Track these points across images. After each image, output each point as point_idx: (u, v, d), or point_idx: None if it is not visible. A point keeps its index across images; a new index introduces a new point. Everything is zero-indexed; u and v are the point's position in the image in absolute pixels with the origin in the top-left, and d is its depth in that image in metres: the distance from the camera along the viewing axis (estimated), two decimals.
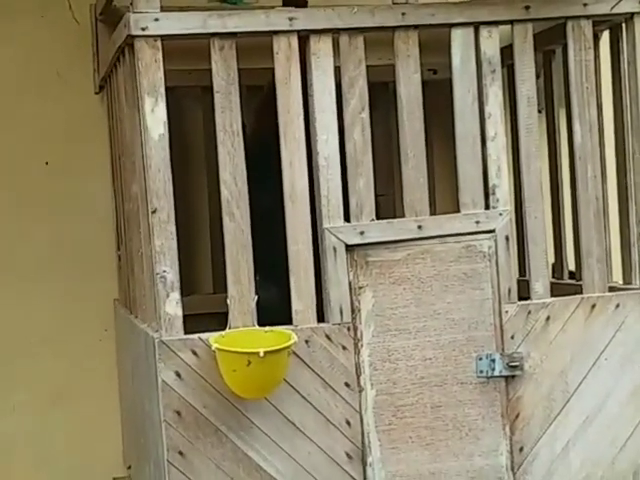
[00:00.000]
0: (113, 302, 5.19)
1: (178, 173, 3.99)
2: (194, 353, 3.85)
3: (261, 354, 3.65)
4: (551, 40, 4.52)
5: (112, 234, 5.11)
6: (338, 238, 3.98)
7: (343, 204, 3.99)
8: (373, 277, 4.01)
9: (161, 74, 3.82)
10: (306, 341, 3.93)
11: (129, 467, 5.09)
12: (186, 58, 4.37)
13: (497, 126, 4.12)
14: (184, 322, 3.85)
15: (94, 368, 5.27)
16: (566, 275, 4.96)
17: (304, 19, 3.93)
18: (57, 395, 5.18)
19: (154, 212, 3.84)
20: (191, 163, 5.11)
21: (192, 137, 5.11)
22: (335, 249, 3.98)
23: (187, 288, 5.14)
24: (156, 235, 3.84)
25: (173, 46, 3.89)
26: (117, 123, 4.60)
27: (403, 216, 4.06)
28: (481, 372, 4.06)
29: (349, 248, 3.99)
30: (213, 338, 3.80)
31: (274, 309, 4.09)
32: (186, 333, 3.87)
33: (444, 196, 4.93)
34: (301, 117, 3.95)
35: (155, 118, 3.82)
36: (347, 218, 4.00)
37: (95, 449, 5.28)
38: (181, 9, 4.10)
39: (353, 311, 3.99)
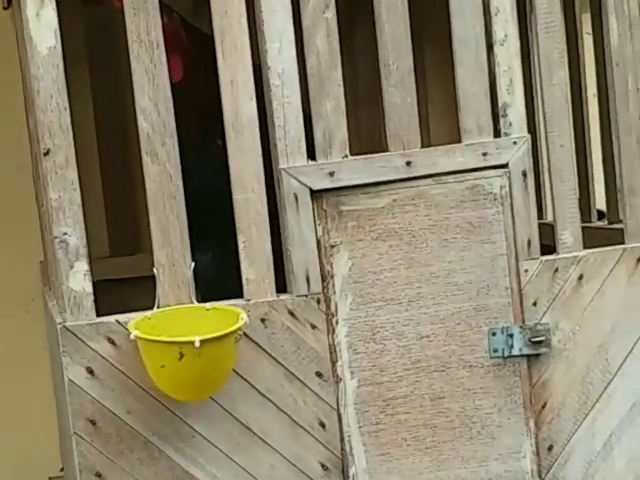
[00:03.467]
0: (39, 265, 4.23)
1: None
2: (111, 342, 2.88)
3: (197, 343, 2.68)
4: None
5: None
6: (300, 182, 2.98)
7: (305, 136, 2.99)
8: (349, 232, 3.03)
9: None
10: (262, 320, 2.96)
11: (62, 469, 4.17)
12: None
13: (508, 25, 3.09)
14: (115, 294, 3.04)
15: (22, 346, 4.38)
16: (594, 216, 3.98)
17: None
18: None
19: (47, 154, 2.84)
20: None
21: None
22: (297, 196, 2.98)
23: (130, 246, 4.26)
24: (51, 185, 2.85)
25: None
26: (20, 41, 3.58)
27: (386, 150, 3.06)
28: (495, 351, 3.08)
29: (315, 194, 3.00)
30: (133, 322, 2.82)
31: (218, 278, 3.13)
32: (109, 312, 2.91)
33: (440, 122, 3.89)
34: (244, 19, 2.94)
35: (41, 25, 2.81)
36: (311, 155, 3.01)
37: (28, 442, 4.48)
38: None
39: (324, 278, 3.01)
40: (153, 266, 2.93)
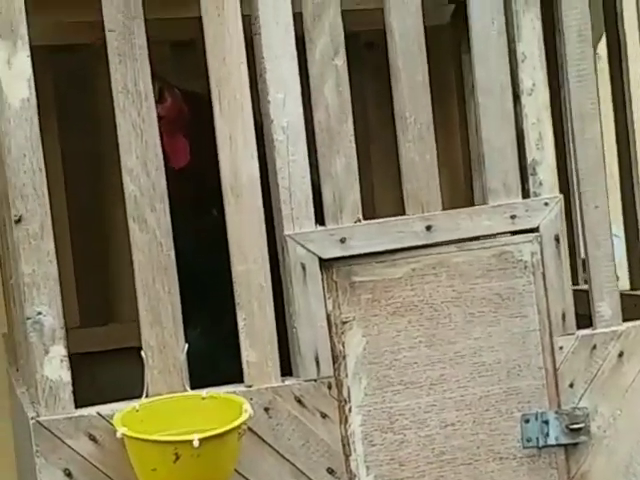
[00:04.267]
0: (2, 338, 3.81)
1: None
2: (93, 439, 2.48)
3: (195, 443, 2.28)
4: None
5: None
6: (308, 250, 2.62)
7: (314, 198, 2.64)
8: (362, 306, 2.66)
9: (21, 5, 2.44)
10: (266, 409, 2.58)
11: None
12: None
13: (536, 73, 2.77)
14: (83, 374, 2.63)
15: None
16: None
17: None
18: None
19: (18, 221, 2.46)
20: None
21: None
22: (304, 266, 2.62)
23: (102, 315, 3.85)
24: (23, 258, 2.46)
25: None
26: None
27: (404, 213, 2.71)
28: (529, 441, 2.72)
29: (325, 264, 2.64)
30: (119, 415, 2.43)
31: (215, 361, 2.76)
32: (82, 393, 2.52)
33: (459, 181, 3.57)
34: (244, 66, 2.59)
35: (13, 74, 2.43)
36: (320, 219, 2.65)
37: None
38: None
39: (335, 359, 2.64)
40: (140, 348, 2.54)
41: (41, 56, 2.93)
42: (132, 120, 2.52)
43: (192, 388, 2.58)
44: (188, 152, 2.97)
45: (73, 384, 2.50)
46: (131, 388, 2.56)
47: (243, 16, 2.60)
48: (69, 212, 3.58)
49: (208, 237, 2.83)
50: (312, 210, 2.63)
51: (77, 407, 2.49)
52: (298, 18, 2.61)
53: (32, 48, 2.45)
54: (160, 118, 2.61)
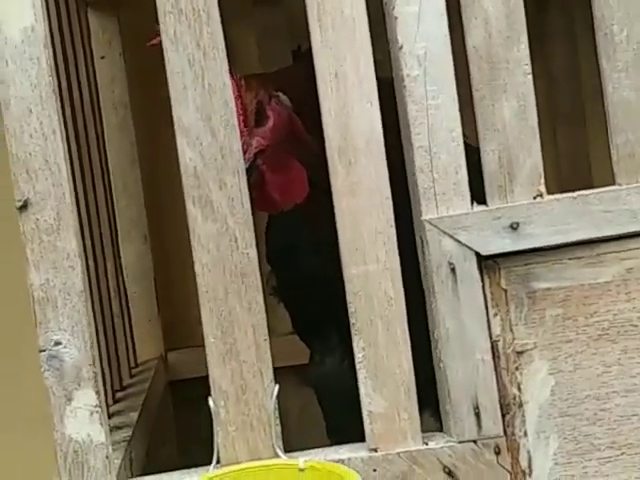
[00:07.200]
0: None
1: None
2: None
3: None
4: None
5: None
6: (459, 242, 1.71)
7: (467, 165, 1.73)
8: (549, 327, 1.73)
9: None
10: None
11: None
12: None
13: None
14: None
15: None
16: None
17: None
18: None
19: (23, 208, 1.68)
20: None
21: None
22: (453, 268, 1.71)
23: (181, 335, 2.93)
24: (32, 262, 1.68)
25: None
26: None
27: (610, 183, 1.75)
28: None
29: (487, 263, 1.72)
30: None
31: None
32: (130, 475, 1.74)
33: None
34: None
35: None
36: (478, 196, 1.74)
37: None
38: None
39: (506, 409, 1.72)
40: (208, 395, 1.71)
41: None
42: (188, 53, 1.69)
43: (309, 447, 1.75)
44: (307, 183, 1.97)
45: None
46: (195, 448, 1.75)
47: None
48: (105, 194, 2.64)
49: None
50: (466, 181, 1.72)
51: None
52: None
53: None
54: (261, 151, 1.82)
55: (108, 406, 2.06)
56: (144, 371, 2.60)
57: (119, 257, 2.62)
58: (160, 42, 1.69)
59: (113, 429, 2.01)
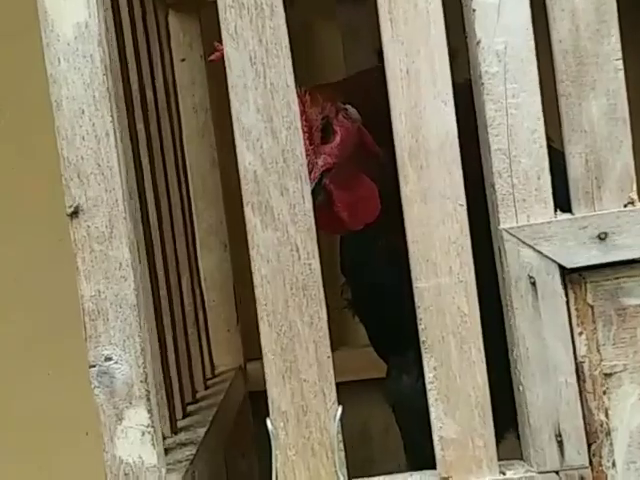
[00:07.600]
0: None
1: None
2: None
3: None
4: None
5: None
6: (541, 253, 1.57)
7: (551, 169, 1.58)
8: None
9: None
10: None
11: None
12: None
13: None
14: None
15: None
16: None
17: None
18: None
19: (74, 215, 1.59)
20: None
21: None
22: (534, 282, 1.57)
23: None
24: (82, 272, 1.59)
25: None
26: None
27: None
28: None
29: (572, 277, 1.57)
30: None
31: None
32: None
33: None
34: None
35: None
36: (563, 204, 1.59)
37: None
38: None
39: (592, 437, 1.57)
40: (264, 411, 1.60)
41: None
42: (249, 50, 1.58)
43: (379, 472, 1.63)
44: (377, 196, 1.84)
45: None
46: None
47: None
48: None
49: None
50: (549, 187, 1.58)
51: None
52: None
53: None
54: (328, 169, 1.72)
55: (176, 420, 1.97)
56: (220, 382, 2.51)
57: (197, 265, 2.54)
58: (221, 57, 1.59)
59: (177, 446, 1.93)
